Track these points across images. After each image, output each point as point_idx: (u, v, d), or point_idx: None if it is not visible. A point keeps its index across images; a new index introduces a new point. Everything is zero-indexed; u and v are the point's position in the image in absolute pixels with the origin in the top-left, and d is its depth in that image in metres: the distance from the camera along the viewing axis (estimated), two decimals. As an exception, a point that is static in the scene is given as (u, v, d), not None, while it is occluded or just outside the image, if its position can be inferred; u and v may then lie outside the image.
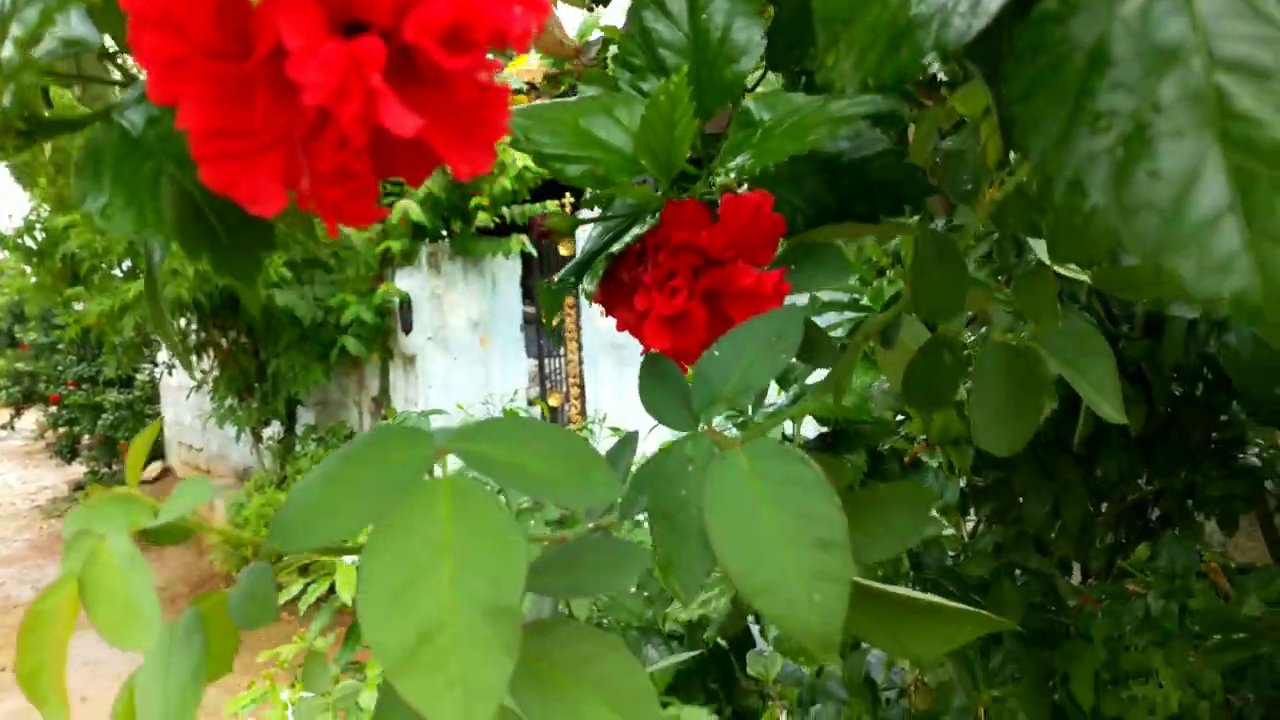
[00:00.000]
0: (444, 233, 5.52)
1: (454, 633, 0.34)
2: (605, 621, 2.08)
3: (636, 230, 0.48)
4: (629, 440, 0.50)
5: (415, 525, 0.36)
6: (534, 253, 5.49)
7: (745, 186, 0.52)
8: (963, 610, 0.50)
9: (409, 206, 5.22)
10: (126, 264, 5.82)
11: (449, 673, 0.34)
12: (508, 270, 5.70)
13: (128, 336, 6.00)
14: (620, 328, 0.51)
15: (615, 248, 0.48)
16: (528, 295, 5.92)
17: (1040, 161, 0.26)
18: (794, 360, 0.46)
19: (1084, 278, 0.58)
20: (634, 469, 0.48)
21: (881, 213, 0.52)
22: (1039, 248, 0.67)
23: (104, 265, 5.66)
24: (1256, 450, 1.65)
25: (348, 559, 2.90)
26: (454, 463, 0.39)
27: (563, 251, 5.70)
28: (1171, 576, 1.24)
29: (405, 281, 5.61)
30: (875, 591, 0.48)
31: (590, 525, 0.47)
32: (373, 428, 0.39)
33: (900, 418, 1.33)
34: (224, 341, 6.21)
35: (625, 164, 0.48)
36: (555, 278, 0.57)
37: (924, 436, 1.00)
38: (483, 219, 5.20)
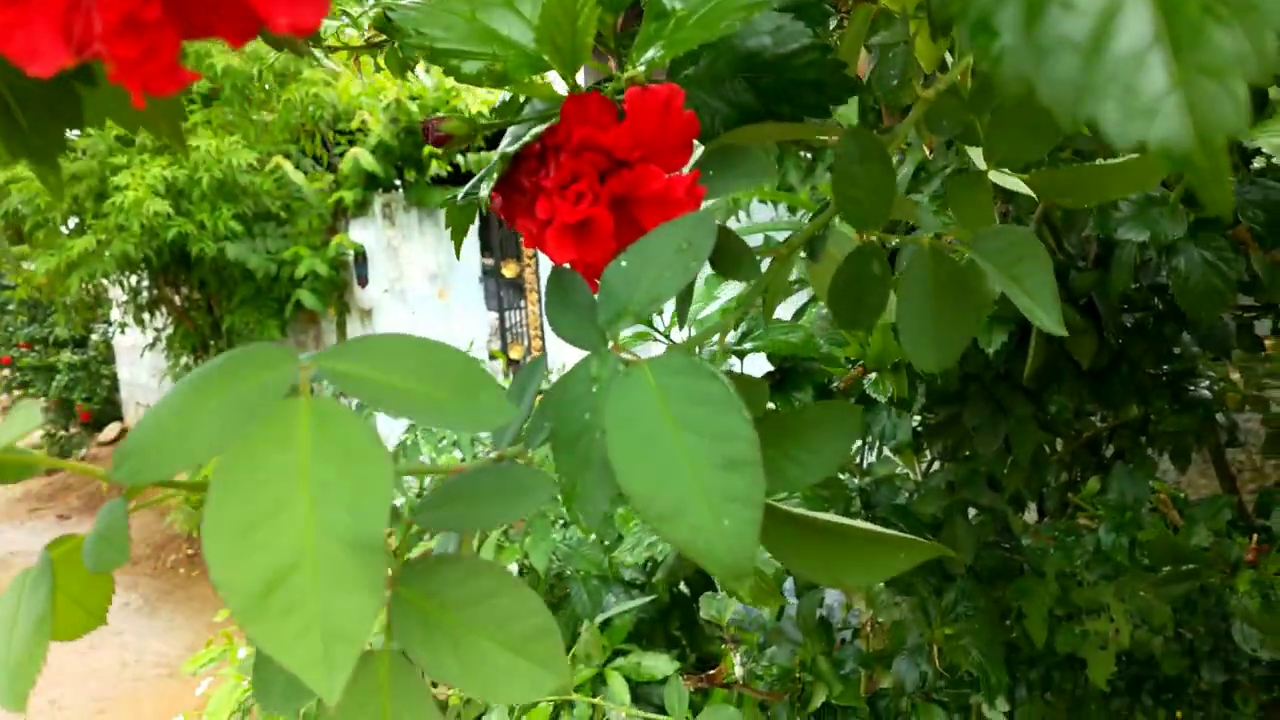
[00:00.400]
0: (397, 182, 5.41)
1: (311, 570, 0.30)
2: (567, 571, 2.06)
3: (537, 130, 0.43)
4: (537, 364, 0.46)
5: (269, 452, 0.32)
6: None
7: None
8: (899, 538, 0.47)
9: (360, 154, 5.11)
10: (73, 221, 5.67)
11: (306, 614, 0.30)
12: (464, 221, 5.60)
13: (75, 295, 5.86)
14: (527, 242, 0.47)
15: (512, 148, 0.44)
16: (486, 247, 5.83)
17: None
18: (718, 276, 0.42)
19: (1022, 187, 0.55)
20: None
21: (805, 114, 0.48)
22: (975, 155, 0.63)
23: (49, 222, 5.50)
24: (1207, 383, 1.65)
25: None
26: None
27: (520, 201, 5.61)
28: (1122, 509, 1.23)
29: (360, 233, 5.51)
30: (804, 520, 0.45)
31: (494, 455, 0.43)
32: (234, 349, 0.35)
33: (850, 360, 1.30)
34: (176, 298, 6.08)
35: (526, 60, 0.44)
36: (462, 191, 0.53)
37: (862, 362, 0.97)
38: (437, 167, 5.10)
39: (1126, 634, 1.27)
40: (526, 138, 0.44)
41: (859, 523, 0.46)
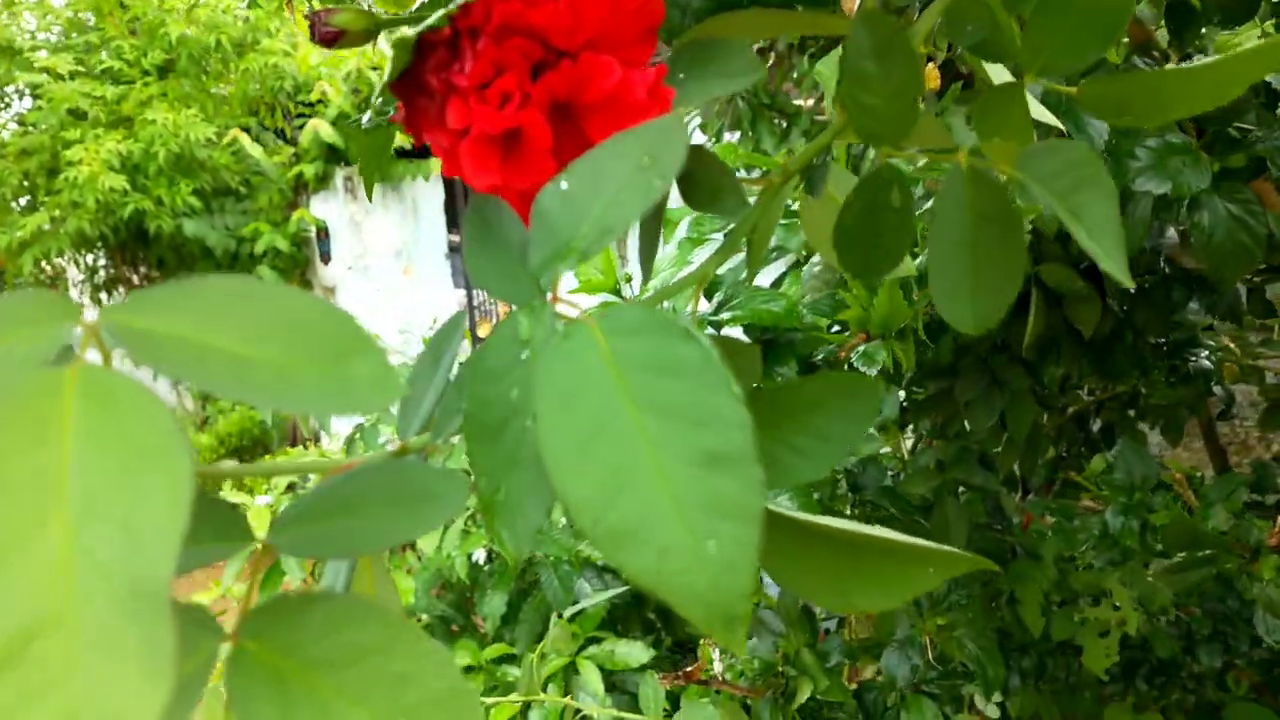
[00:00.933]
0: (359, 155, 5.24)
1: (67, 633, 0.20)
2: (537, 556, 1.95)
3: (446, 9, 0.32)
4: (455, 321, 0.35)
5: (12, 450, 0.21)
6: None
7: None
8: (925, 549, 0.37)
9: (319, 125, 4.94)
10: (24, 200, 5.48)
11: (56, 704, 0.19)
12: (430, 195, 5.45)
13: (28, 274, 5.68)
14: (446, 168, 0.35)
15: (413, 32, 0.32)
16: (453, 222, 5.68)
17: None
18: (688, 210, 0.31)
19: (1048, 116, 0.44)
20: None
21: (797, 1, 0.37)
22: (996, 72, 0.52)
23: (-1, 198, 5.30)
24: (1206, 353, 1.56)
25: (260, 500, 2.75)
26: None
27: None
28: (1130, 490, 1.14)
29: (321, 208, 5.35)
30: (809, 527, 0.34)
31: (390, 446, 0.32)
32: (-6, 298, 0.24)
33: (835, 327, 1.20)
34: (134, 277, 5.90)
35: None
36: (366, 111, 0.41)
37: (850, 332, 0.86)
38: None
39: (1134, 622, 1.19)
40: (433, 19, 0.32)
41: (877, 530, 0.36)
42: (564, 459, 0.25)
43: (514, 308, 0.31)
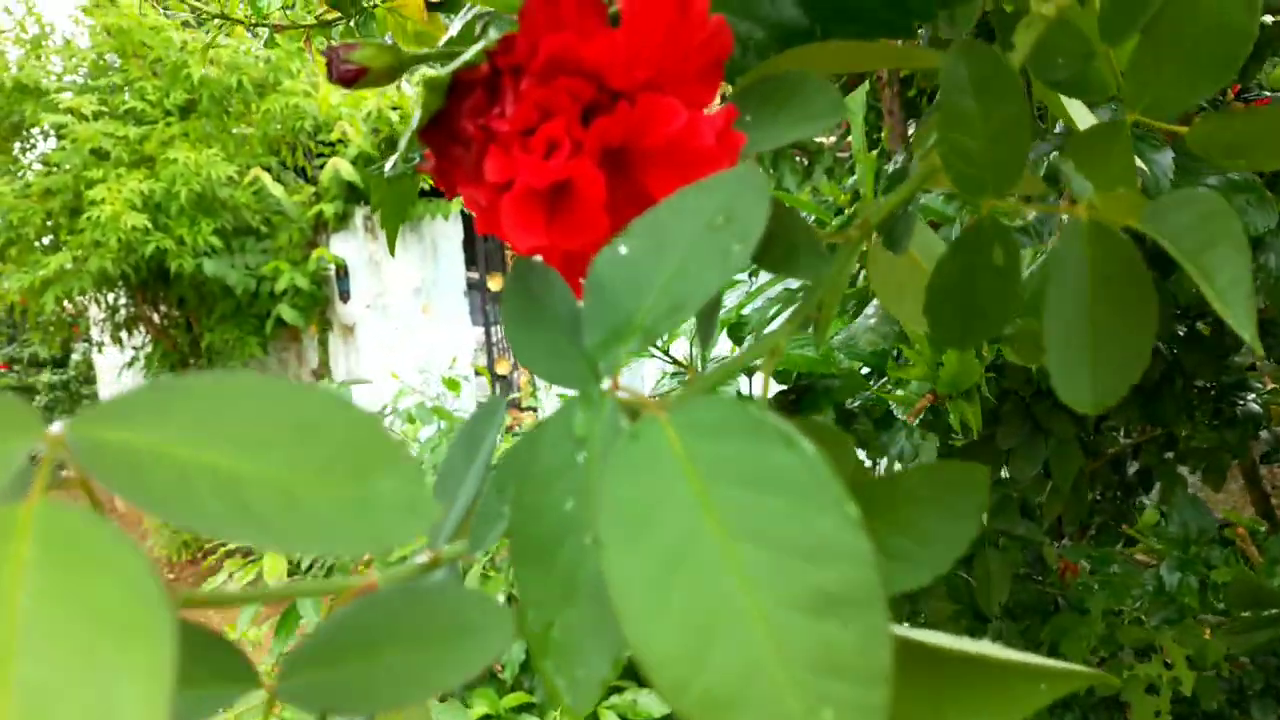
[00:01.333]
0: (379, 193, 5.24)
1: None
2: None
3: (484, 42, 0.27)
4: (493, 408, 0.30)
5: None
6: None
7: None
8: (1038, 667, 0.32)
9: (340, 164, 4.94)
10: (46, 239, 5.51)
11: None
12: (448, 234, 5.44)
13: (50, 313, 5.70)
14: (480, 225, 0.31)
15: (445, 71, 0.28)
16: (471, 260, 5.67)
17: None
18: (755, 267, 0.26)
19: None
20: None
21: (877, 34, 0.33)
22: (1078, 112, 0.48)
23: (21, 238, 5.33)
24: (1253, 396, 1.50)
25: (277, 544, 2.69)
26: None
27: (506, 211, 5.46)
28: (1185, 543, 1.07)
29: (341, 247, 5.34)
30: (914, 646, 0.29)
31: (422, 559, 0.27)
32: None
33: (866, 370, 1.14)
34: (155, 316, 5.91)
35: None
36: (391, 158, 0.37)
37: (906, 387, 0.81)
38: (421, 179, 4.93)
39: (1189, 681, 1.12)
40: (469, 55, 0.28)
41: (980, 644, 0.30)
42: (636, 601, 0.20)
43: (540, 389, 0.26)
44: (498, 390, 5.41)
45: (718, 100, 0.33)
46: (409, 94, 5.17)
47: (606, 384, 0.25)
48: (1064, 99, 0.47)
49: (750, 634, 0.19)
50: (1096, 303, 0.29)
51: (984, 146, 0.29)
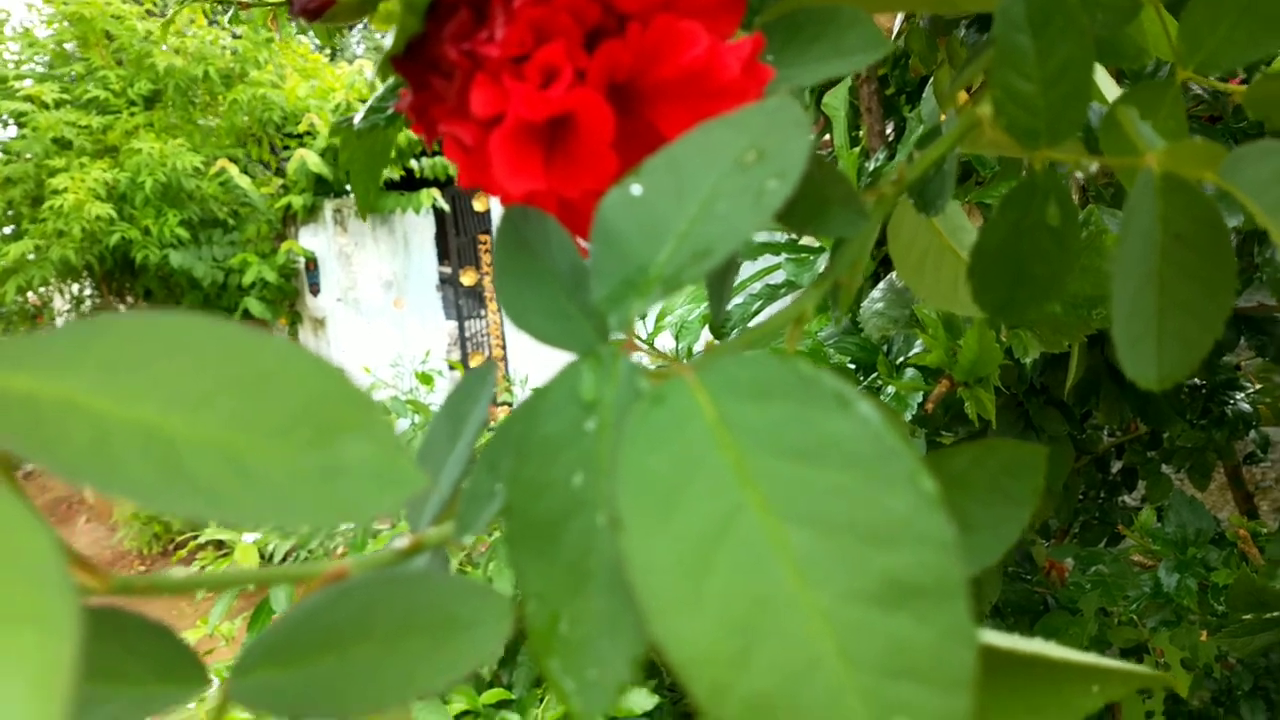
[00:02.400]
0: (347, 187, 5.18)
1: None
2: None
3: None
4: (484, 372, 0.27)
5: None
6: (446, 208, 5.17)
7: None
8: (1083, 665, 0.28)
9: (306, 155, 4.86)
10: (8, 228, 5.39)
11: None
12: (420, 228, 5.38)
13: (12, 303, 5.58)
14: (463, 177, 0.27)
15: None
16: (443, 254, 5.61)
17: None
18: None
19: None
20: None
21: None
22: (1106, 84, 0.45)
23: (-18, 226, 5.21)
24: (1242, 395, 1.49)
25: (247, 537, 2.64)
26: None
27: (477, 208, 5.42)
28: (1183, 544, 1.05)
29: (310, 240, 5.26)
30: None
31: (401, 544, 0.23)
32: None
33: (852, 362, 1.11)
34: (121, 307, 5.80)
35: None
36: (362, 109, 0.33)
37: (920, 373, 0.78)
38: (390, 171, 4.87)
39: (1185, 682, 1.10)
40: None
41: (1041, 644, 0.27)
42: (665, 591, 0.17)
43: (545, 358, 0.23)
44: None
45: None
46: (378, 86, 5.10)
47: (618, 341, 0.22)
48: (1099, 69, 0.44)
49: (805, 630, 0.16)
50: (1167, 265, 0.26)
51: (1039, 90, 0.26)
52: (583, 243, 0.27)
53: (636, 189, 0.23)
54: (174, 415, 0.15)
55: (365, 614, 0.20)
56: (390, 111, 0.33)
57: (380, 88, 0.31)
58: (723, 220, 0.21)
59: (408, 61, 0.26)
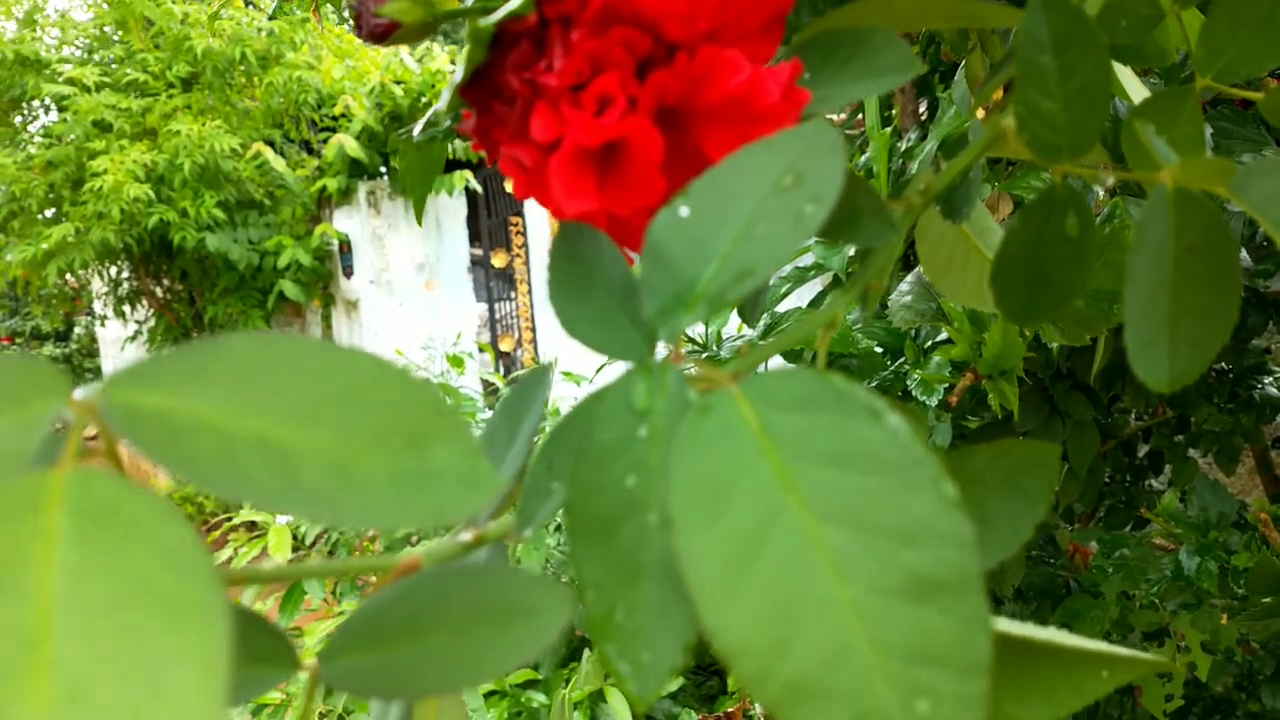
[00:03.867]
0: (382, 169, 5.22)
1: None
2: (563, 579, 1.88)
3: (532, -10, 0.26)
4: (539, 376, 0.29)
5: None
6: (479, 189, 5.20)
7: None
8: (1093, 651, 0.30)
9: (344, 140, 4.90)
10: (49, 211, 5.48)
11: None
12: (452, 209, 5.41)
13: (52, 285, 5.68)
14: (519, 190, 0.29)
15: (489, 21, 0.26)
16: (474, 236, 5.64)
17: None
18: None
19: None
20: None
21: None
22: (1129, 81, 0.46)
23: (24, 209, 5.30)
24: (1271, 380, 1.49)
25: (280, 518, 2.68)
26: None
27: (508, 189, 5.44)
28: (1205, 528, 1.06)
29: (344, 222, 5.31)
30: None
31: (462, 538, 0.26)
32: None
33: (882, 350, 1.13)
34: (158, 289, 5.89)
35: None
36: (420, 122, 0.35)
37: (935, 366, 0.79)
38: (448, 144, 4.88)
39: (1205, 666, 1.11)
40: (514, 4, 0.26)
41: (1052, 632, 0.29)
42: (713, 583, 0.19)
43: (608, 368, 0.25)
44: (500, 368, 5.39)
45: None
46: (412, 69, 5.12)
47: (667, 354, 0.24)
48: (1117, 70, 0.45)
49: (839, 620, 0.18)
50: (1179, 274, 0.27)
51: (1061, 108, 0.28)
52: (631, 254, 0.29)
53: (684, 210, 0.25)
54: (286, 428, 0.17)
55: (439, 603, 0.23)
56: (447, 126, 0.35)
57: (441, 102, 0.33)
58: (763, 241, 0.23)
59: (473, 88, 0.28)
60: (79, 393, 0.17)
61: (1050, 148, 0.28)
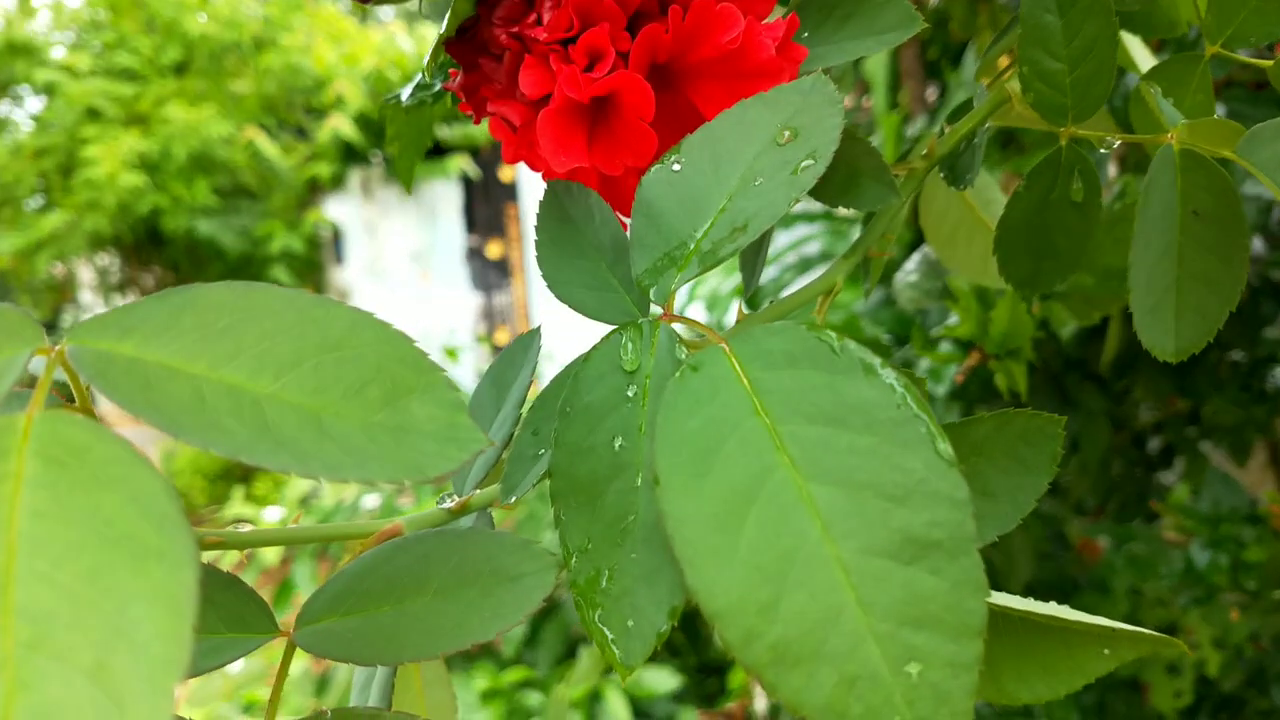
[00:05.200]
0: (374, 157, 5.19)
1: None
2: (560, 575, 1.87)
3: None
4: (527, 341, 0.28)
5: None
6: (478, 173, 5.18)
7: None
8: (1096, 627, 0.30)
9: (340, 124, 4.87)
10: (39, 200, 5.44)
11: None
12: (447, 198, 5.39)
13: (41, 276, 5.64)
14: (508, 152, 0.28)
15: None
16: (471, 225, 5.62)
17: None
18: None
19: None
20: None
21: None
22: (1139, 51, 0.45)
23: (13, 198, 5.27)
24: (1281, 371, 1.48)
25: (266, 514, 2.67)
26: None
27: (504, 179, 5.43)
28: (1216, 522, 1.05)
29: (336, 209, 5.28)
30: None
31: (448, 504, 0.25)
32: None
33: (884, 334, 1.12)
34: (150, 279, 5.85)
35: None
36: (409, 85, 0.34)
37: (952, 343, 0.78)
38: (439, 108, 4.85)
39: (1215, 661, 1.10)
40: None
41: (1053, 607, 0.28)
42: (700, 544, 0.18)
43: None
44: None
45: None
46: (407, 52, 5.09)
47: (658, 313, 0.23)
48: (1127, 40, 0.45)
49: (829, 581, 0.17)
50: (1185, 238, 0.27)
51: (1066, 68, 0.27)
52: (622, 217, 0.28)
53: (677, 166, 0.24)
54: (261, 378, 0.17)
55: (420, 567, 0.22)
56: (437, 89, 0.34)
57: (425, 60, 0.32)
58: (759, 197, 0.23)
59: (459, 43, 0.27)
60: (50, 339, 0.17)
61: (1056, 109, 0.28)
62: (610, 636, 0.20)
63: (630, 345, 0.22)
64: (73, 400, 0.19)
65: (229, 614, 0.21)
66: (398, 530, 0.24)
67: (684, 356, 0.21)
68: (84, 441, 0.14)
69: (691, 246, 0.23)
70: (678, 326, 0.23)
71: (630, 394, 0.22)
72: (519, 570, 0.21)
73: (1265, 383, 1.31)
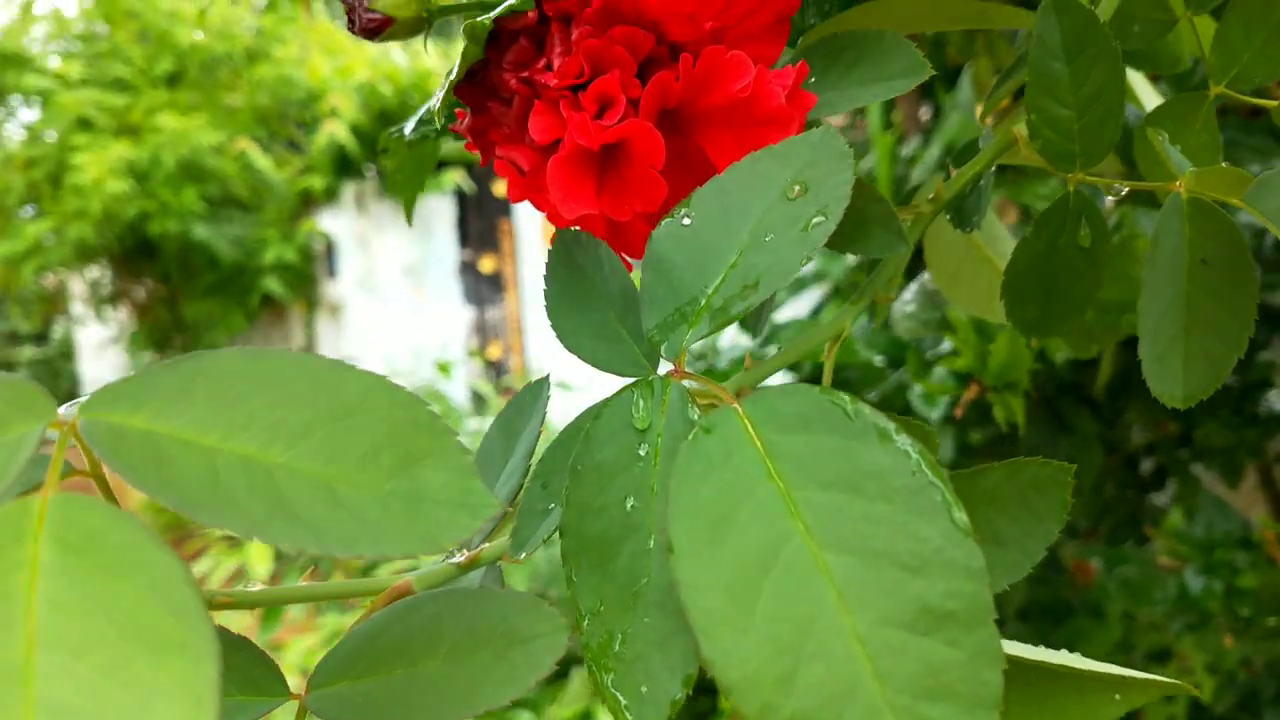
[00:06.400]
0: (368, 171, 5.18)
1: None
2: (551, 593, 1.87)
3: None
4: (535, 391, 0.28)
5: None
6: (473, 187, 5.17)
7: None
8: (1106, 675, 0.30)
9: (336, 130, 4.85)
10: (29, 209, 5.42)
11: None
12: (441, 213, 5.38)
13: (30, 285, 5.61)
14: (514, 192, 0.28)
15: (488, 18, 0.25)
16: (465, 239, 5.61)
17: None
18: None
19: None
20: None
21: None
22: (1143, 89, 0.45)
23: (2, 207, 5.24)
24: (1275, 393, 1.49)
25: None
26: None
27: (497, 193, 5.43)
28: (1210, 547, 1.05)
29: (330, 223, 5.27)
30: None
31: (458, 558, 0.25)
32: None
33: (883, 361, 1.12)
34: (141, 290, 5.83)
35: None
36: (412, 119, 0.34)
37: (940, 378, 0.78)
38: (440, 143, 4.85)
39: (1209, 687, 1.10)
40: (513, 0, 0.25)
41: (1065, 656, 0.28)
42: (715, 615, 0.18)
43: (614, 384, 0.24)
44: (490, 375, 5.37)
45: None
46: (401, 66, 5.09)
47: (668, 370, 0.23)
48: (1130, 76, 0.45)
49: (845, 652, 0.17)
50: (1193, 287, 0.27)
51: (1074, 115, 0.27)
52: (630, 261, 0.28)
53: (687, 220, 0.24)
54: (273, 448, 0.17)
55: (432, 628, 0.22)
56: (441, 125, 0.34)
57: (433, 102, 0.32)
58: (770, 253, 0.22)
59: (469, 86, 0.27)
60: (63, 410, 0.17)
61: (1063, 156, 0.28)
62: (624, 702, 0.20)
63: (642, 403, 0.22)
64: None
65: (240, 676, 0.21)
66: (407, 588, 0.23)
67: (696, 416, 0.21)
68: (100, 526, 0.14)
69: (703, 302, 0.23)
70: (688, 381, 0.23)
71: (642, 453, 0.21)
72: (532, 632, 0.21)
73: (1258, 406, 1.31)
